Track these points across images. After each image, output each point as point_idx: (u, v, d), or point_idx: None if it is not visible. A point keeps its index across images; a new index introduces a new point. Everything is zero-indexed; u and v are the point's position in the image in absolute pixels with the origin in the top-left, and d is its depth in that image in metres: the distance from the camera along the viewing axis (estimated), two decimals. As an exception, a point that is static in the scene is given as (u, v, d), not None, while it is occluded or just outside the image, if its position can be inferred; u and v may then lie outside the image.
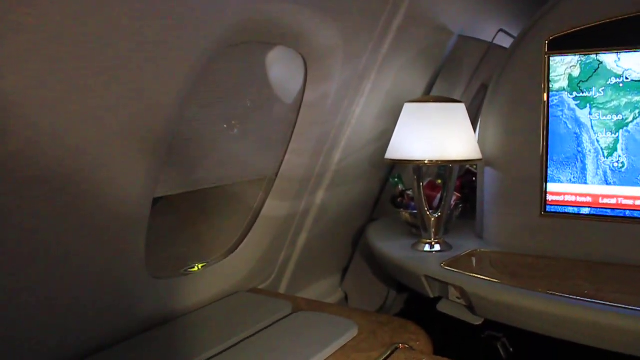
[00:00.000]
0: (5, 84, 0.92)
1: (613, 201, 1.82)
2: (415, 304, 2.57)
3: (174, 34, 1.15)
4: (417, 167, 1.97)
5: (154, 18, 1.08)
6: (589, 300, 1.49)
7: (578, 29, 1.81)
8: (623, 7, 1.74)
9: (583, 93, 1.83)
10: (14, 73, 0.92)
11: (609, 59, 1.78)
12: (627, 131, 1.77)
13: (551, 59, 1.87)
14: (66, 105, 1.03)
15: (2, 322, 1.19)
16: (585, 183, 1.86)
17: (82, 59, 1.01)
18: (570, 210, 1.89)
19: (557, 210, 1.90)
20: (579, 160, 1.86)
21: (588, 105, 1.83)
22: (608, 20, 1.76)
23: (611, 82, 1.78)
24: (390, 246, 2.10)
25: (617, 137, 1.79)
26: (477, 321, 1.71)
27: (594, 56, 1.80)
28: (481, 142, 2.02)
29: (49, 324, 1.29)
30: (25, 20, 0.88)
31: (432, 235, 2.02)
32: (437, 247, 2.01)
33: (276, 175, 1.91)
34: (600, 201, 1.84)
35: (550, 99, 1.88)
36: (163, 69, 1.18)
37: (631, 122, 1.76)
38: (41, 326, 1.27)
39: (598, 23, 1.77)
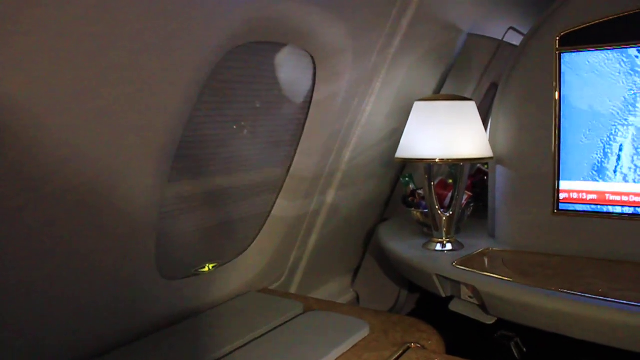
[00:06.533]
0: (11, 84, 0.92)
1: (627, 199, 1.79)
2: (427, 304, 2.57)
3: (182, 32, 1.15)
4: (428, 166, 1.96)
5: (161, 16, 1.08)
6: (602, 298, 1.48)
7: (590, 24, 1.79)
8: (636, 0, 1.71)
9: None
10: (20, 73, 0.92)
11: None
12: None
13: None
14: (72, 105, 1.03)
15: (14, 321, 1.19)
16: (599, 180, 1.84)
17: (89, 59, 1.00)
18: (584, 208, 1.87)
19: (570, 209, 1.88)
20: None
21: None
22: (621, 15, 1.74)
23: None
24: (402, 246, 2.09)
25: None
26: (490, 320, 1.70)
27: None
28: (492, 141, 2.00)
29: (60, 323, 1.29)
30: (31, 20, 0.88)
31: (444, 234, 2.01)
32: (449, 246, 2.00)
33: (286, 175, 1.90)
34: (614, 199, 1.81)
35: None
36: (171, 68, 1.18)
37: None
38: (52, 326, 1.27)
39: (611, 18, 1.75)
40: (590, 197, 1.86)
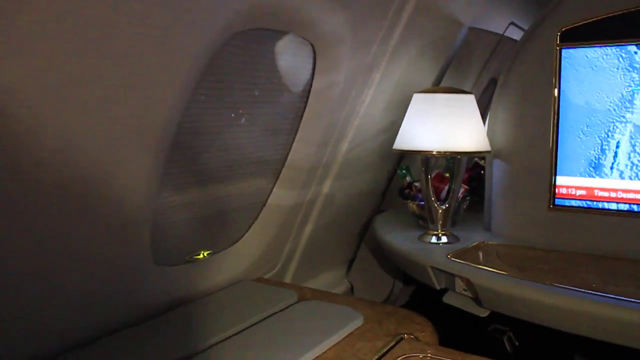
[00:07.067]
0: (6, 71, 0.90)
1: (622, 195, 1.80)
2: (421, 296, 2.57)
3: (180, 19, 1.13)
4: (425, 158, 1.96)
5: (159, 4, 1.07)
6: (596, 293, 1.48)
7: (592, 20, 1.79)
8: (637, -2, 1.71)
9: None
10: (15, 59, 0.90)
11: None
12: None
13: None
14: (68, 94, 1.01)
15: (12, 309, 1.19)
16: (595, 177, 1.84)
17: (85, 46, 0.99)
18: (579, 204, 1.87)
19: (566, 204, 1.89)
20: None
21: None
22: (623, 12, 1.73)
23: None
24: (397, 237, 2.09)
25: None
26: (483, 313, 1.71)
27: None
28: (490, 135, 2.00)
29: (54, 310, 1.29)
30: (26, 5, 0.87)
31: (439, 226, 2.02)
32: (444, 239, 2.00)
33: (283, 165, 1.90)
34: (610, 195, 1.82)
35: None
36: (169, 55, 1.16)
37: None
38: (47, 313, 1.27)
39: (613, 14, 1.75)
40: (585, 193, 1.86)
